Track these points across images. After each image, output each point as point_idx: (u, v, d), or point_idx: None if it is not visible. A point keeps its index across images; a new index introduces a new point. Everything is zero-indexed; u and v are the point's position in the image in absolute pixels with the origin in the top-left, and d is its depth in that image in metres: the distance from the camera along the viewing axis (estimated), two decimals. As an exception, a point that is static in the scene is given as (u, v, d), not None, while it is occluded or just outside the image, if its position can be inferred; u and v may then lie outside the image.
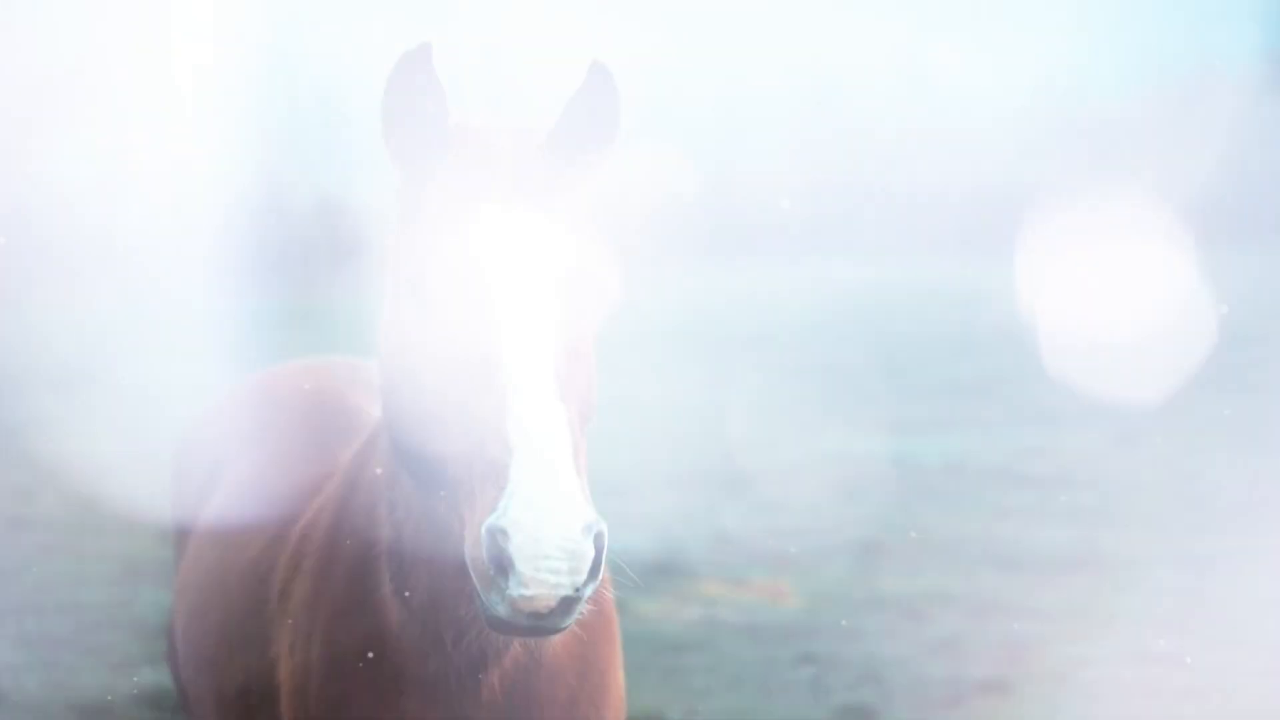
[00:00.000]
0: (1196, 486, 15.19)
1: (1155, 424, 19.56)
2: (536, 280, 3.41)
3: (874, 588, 11.33)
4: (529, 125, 3.63)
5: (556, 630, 3.26)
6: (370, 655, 3.85)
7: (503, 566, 3.14)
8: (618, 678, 4.15)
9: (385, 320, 3.61)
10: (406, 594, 3.77)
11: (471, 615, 3.70)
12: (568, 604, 3.18)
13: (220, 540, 4.81)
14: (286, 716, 4.04)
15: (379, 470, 3.87)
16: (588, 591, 3.20)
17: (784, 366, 26.97)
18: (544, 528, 3.13)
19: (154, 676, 9.11)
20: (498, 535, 3.14)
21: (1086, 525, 13.37)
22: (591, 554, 3.18)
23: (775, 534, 13.08)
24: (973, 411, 21.27)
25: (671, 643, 10.03)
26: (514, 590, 3.14)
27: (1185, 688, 9.18)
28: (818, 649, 9.96)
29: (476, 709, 3.79)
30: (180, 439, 5.74)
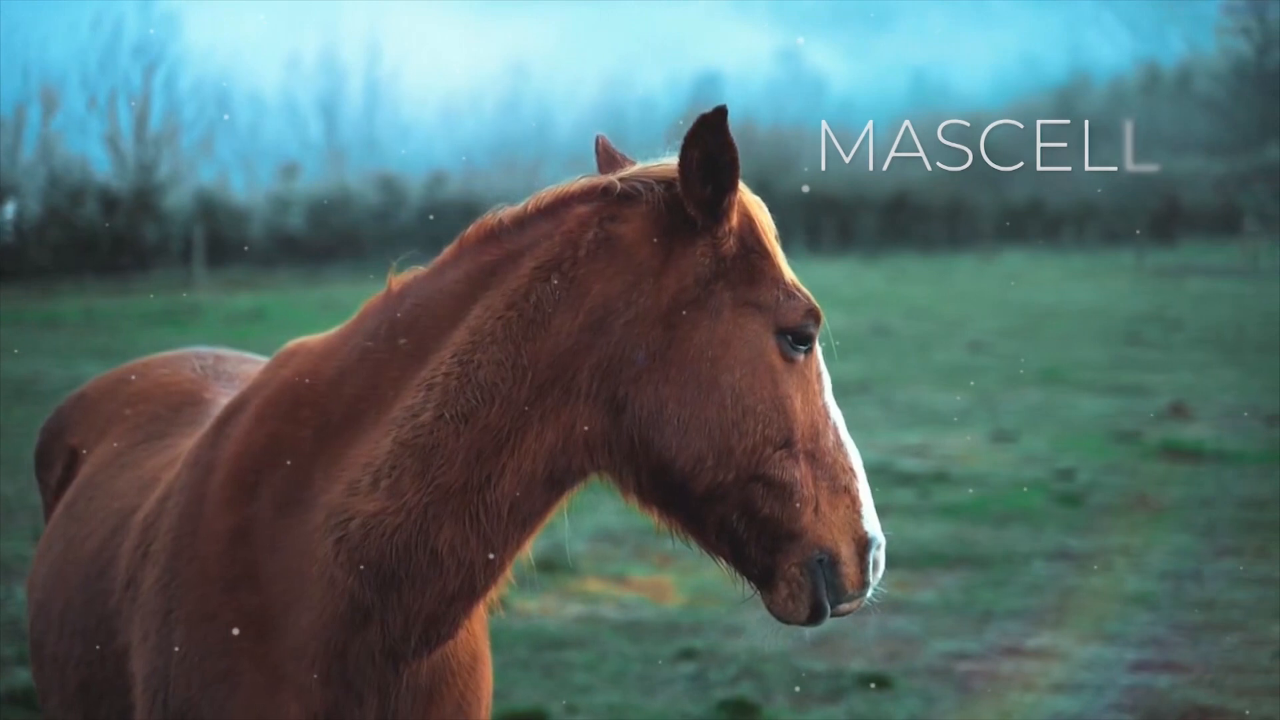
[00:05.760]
0: (1071, 484, 15.41)
1: (1030, 423, 19.87)
2: None
3: (754, 584, 11.37)
4: None
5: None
6: (257, 630, 3.78)
7: (874, 573, 3.70)
8: (489, 665, 4.19)
9: (697, 353, 3.69)
10: (363, 568, 3.68)
11: (423, 596, 3.67)
12: None
13: (65, 534, 4.74)
14: (141, 704, 3.95)
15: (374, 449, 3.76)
16: None
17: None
18: None
19: (27, 676, 8.97)
20: (875, 548, 3.72)
21: (963, 522, 13.53)
22: None
23: (656, 532, 13.10)
24: (851, 410, 21.28)
25: (553, 639, 10.03)
26: (873, 592, 3.71)
27: (1061, 681, 9.31)
28: (698, 645, 10.00)
29: (371, 692, 3.76)
30: (42, 434, 5.64)
